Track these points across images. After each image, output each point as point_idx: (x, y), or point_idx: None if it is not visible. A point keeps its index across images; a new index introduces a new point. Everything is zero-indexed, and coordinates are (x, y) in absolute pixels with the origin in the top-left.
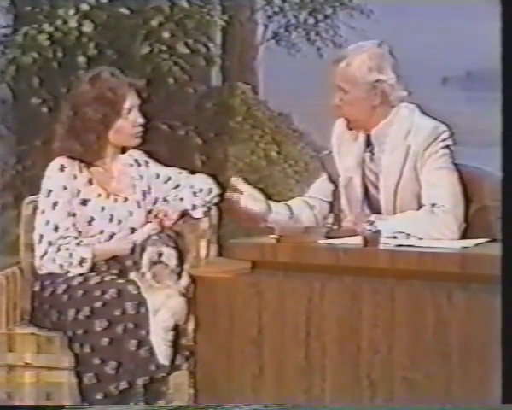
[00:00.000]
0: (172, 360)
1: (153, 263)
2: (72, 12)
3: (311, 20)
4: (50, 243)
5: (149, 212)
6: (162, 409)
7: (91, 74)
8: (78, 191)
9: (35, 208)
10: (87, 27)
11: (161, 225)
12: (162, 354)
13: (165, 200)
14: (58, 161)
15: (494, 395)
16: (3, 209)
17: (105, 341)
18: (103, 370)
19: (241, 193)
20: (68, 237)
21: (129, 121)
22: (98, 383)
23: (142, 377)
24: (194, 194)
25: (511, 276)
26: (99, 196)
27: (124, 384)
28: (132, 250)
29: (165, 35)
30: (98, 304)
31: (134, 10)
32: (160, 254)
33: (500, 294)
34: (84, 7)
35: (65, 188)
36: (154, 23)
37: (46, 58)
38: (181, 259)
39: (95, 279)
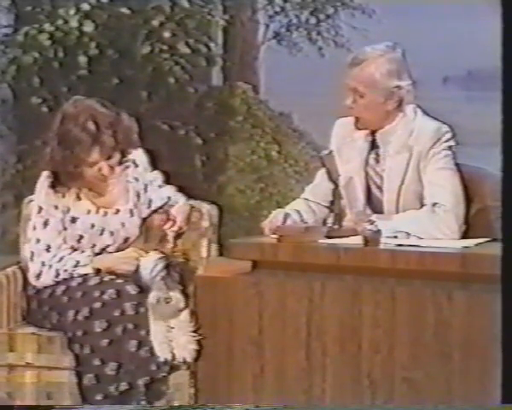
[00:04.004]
0: (172, 359)
1: (157, 303)
2: (72, 12)
3: (313, 20)
4: (44, 264)
5: (166, 213)
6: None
7: (78, 106)
8: (68, 209)
9: None
10: (88, 27)
11: (173, 226)
12: (163, 351)
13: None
14: (47, 176)
15: (494, 395)
16: (4, 208)
17: (105, 341)
18: (103, 371)
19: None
20: (63, 257)
21: (94, 171)
22: (98, 383)
23: (143, 378)
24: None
25: (511, 276)
26: (88, 212)
27: (124, 385)
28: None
29: (166, 35)
30: (97, 305)
31: (135, 10)
32: (170, 300)
33: (500, 293)
34: (85, 7)
35: (56, 207)
36: (155, 23)
37: (47, 58)
38: (187, 289)
39: (94, 280)
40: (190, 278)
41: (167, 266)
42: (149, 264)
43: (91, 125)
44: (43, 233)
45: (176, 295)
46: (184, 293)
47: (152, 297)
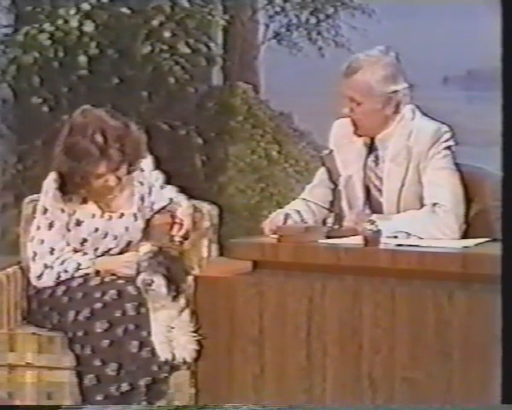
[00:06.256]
0: (172, 359)
1: (146, 287)
2: (73, 11)
3: (313, 20)
4: (46, 266)
5: (172, 216)
6: (161, 409)
7: (87, 117)
8: (74, 211)
9: (35, 208)
10: (88, 27)
11: (181, 229)
12: (163, 350)
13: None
14: (55, 179)
15: (494, 395)
16: (4, 208)
17: (105, 342)
18: (104, 371)
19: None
20: (65, 259)
21: (101, 182)
22: (99, 384)
23: (144, 378)
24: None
25: (511, 275)
26: (93, 216)
27: (125, 386)
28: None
29: (166, 34)
30: (98, 305)
31: (135, 10)
32: (151, 282)
33: (500, 293)
34: (85, 6)
35: (62, 211)
36: (155, 23)
37: (47, 57)
38: (176, 282)
39: (94, 280)
40: (179, 266)
41: (156, 252)
42: (145, 249)
43: (99, 138)
44: (48, 235)
45: (158, 279)
46: (168, 279)
47: (139, 283)
